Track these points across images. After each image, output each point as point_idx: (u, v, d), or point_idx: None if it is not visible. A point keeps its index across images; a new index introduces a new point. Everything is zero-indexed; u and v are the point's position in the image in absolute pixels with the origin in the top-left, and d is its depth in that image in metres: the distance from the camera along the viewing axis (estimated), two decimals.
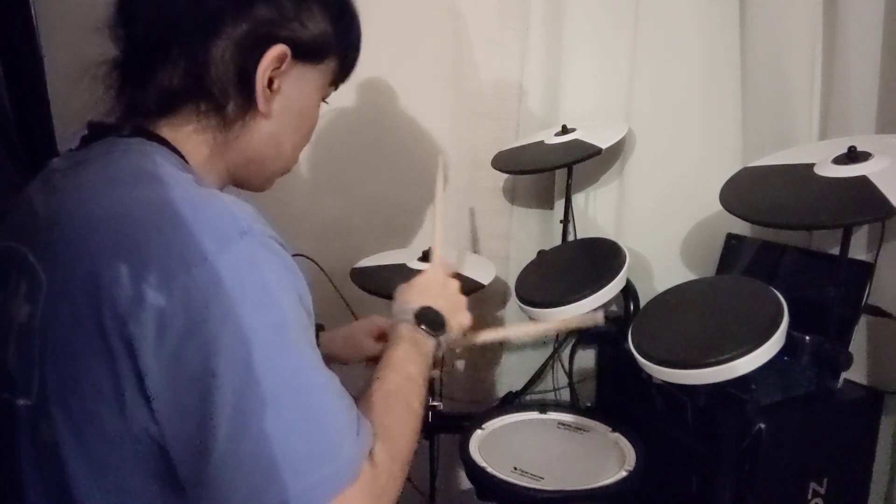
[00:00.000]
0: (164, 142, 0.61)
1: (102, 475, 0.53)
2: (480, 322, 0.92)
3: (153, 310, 0.49)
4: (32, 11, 1.07)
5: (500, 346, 1.66)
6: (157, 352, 0.49)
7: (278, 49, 0.62)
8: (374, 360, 0.99)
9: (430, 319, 0.79)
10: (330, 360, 1.03)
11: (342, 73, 0.72)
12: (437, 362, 0.82)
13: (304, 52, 0.65)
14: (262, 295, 0.51)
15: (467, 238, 1.64)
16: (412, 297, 0.81)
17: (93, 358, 0.51)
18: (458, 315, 0.84)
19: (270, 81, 0.63)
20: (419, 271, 1.29)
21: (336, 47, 0.68)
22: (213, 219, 0.52)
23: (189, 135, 0.63)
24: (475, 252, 1.65)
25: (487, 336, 0.95)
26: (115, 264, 0.50)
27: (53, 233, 0.56)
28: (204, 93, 0.61)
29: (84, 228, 0.54)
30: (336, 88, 0.74)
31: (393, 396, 0.66)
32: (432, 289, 0.84)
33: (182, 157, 0.62)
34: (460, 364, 0.89)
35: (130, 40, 0.62)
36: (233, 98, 0.62)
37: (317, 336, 1.04)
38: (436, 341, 0.79)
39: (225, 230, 0.52)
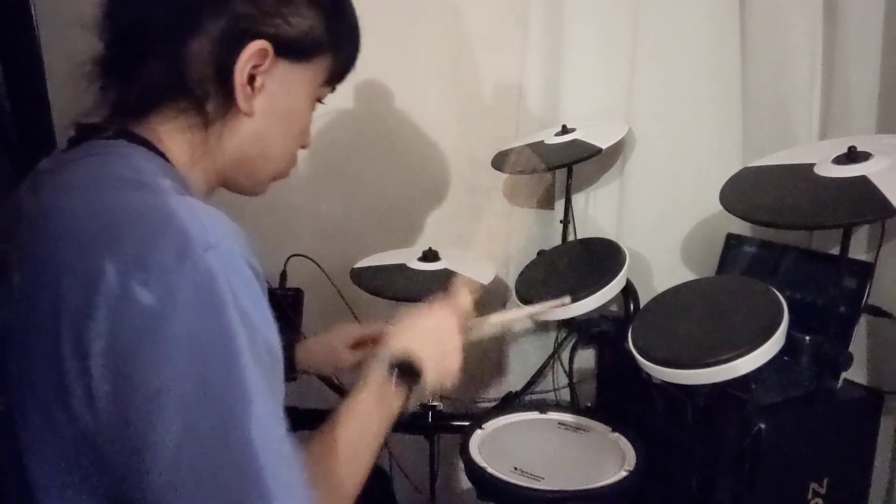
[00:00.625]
0: (146, 143, 0.60)
1: (60, 485, 0.52)
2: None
3: (107, 313, 0.48)
4: (32, 11, 1.07)
5: (500, 346, 1.67)
6: (105, 359, 0.48)
7: (258, 45, 0.60)
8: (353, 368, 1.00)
9: (405, 369, 0.74)
10: (306, 372, 1.03)
11: (337, 72, 0.70)
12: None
13: (289, 50, 0.63)
14: (215, 315, 0.49)
15: (467, 238, 1.64)
16: (401, 337, 0.76)
17: (47, 363, 0.50)
18: (445, 361, 0.78)
19: (252, 78, 0.62)
20: (419, 271, 1.31)
21: (327, 45, 0.66)
22: (180, 229, 0.50)
23: (171, 134, 0.62)
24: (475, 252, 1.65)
25: (484, 330, 0.93)
26: (77, 266, 0.49)
27: (31, 234, 0.55)
28: (184, 90, 0.60)
29: (56, 230, 0.53)
30: (332, 89, 0.72)
31: (345, 445, 0.65)
32: (426, 334, 0.78)
33: (166, 157, 0.61)
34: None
35: (112, 38, 0.61)
36: (213, 96, 0.61)
37: (291, 348, 1.03)
38: (404, 394, 0.74)
39: (190, 242, 0.50)
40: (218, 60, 0.60)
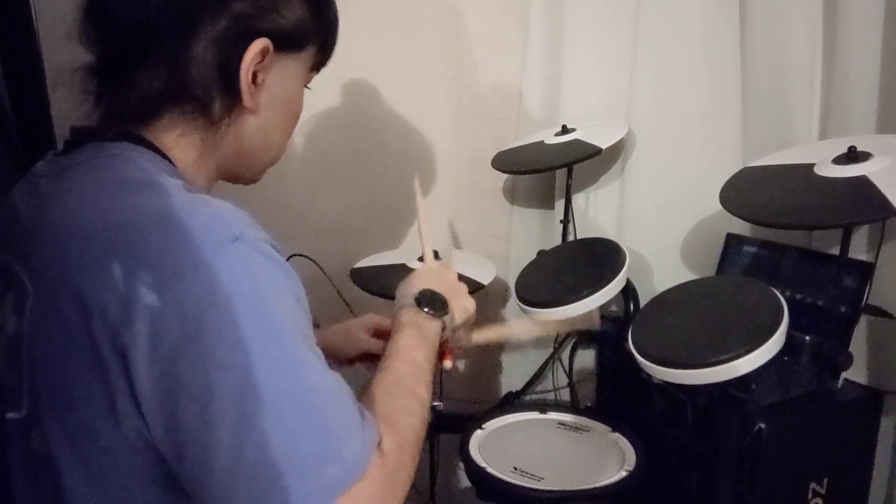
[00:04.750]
0: (149, 145, 0.60)
1: (99, 484, 0.53)
2: (481, 321, 0.93)
3: (146, 317, 0.48)
4: (32, 11, 1.07)
5: (500, 346, 1.66)
6: (149, 362, 0.48)
7: (261, 43, 0.60)
8: (370, 357, 0.99)
9: (431, 300, 0.79)
10: (326, 354, 1.02)
11: (322, 57, 0.71)
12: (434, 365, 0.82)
13: (285, 42, 0.63)
14: (258, 301, 0.51)
15: (467, 238, 1.64)
16: (411, 285, 0.82)
17: (84, 368, 0.50)
18: (460, 299, 0.85)
19: (254, 76, 0.62)
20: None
21: (315, 33, 0.67)
22: (204, 226, 0.51)
23: (176, 139, 0.62)
24: (475, 252, 1.65)
25: (490, 333, 0.96)
26: (104, 270, 0.49)
27: (39, 241, 0.55)
28: (187, 95, 0.60)
29: (71, 236, 0.53)
30: (318, 72, 0.73)
31: (397, 385, 0.66)
32: (430, 277, 0.85)
33: (169, 159, 0.61)
34: (458, 364, 0.90)
35: (106, 44, 0.60)
36: (217, 97, 0.61)
37: None
38: (440, 323, 0.79)
39: (217, 237, 0.51)
40: (221, 62, 0.60)
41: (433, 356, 0.75)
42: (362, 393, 0.64)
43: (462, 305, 0.85)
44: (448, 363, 0.89)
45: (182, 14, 0.58)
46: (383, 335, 1.00)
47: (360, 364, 1.00)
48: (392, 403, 0.63)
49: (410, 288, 0.81)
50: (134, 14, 0.58)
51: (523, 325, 1.24)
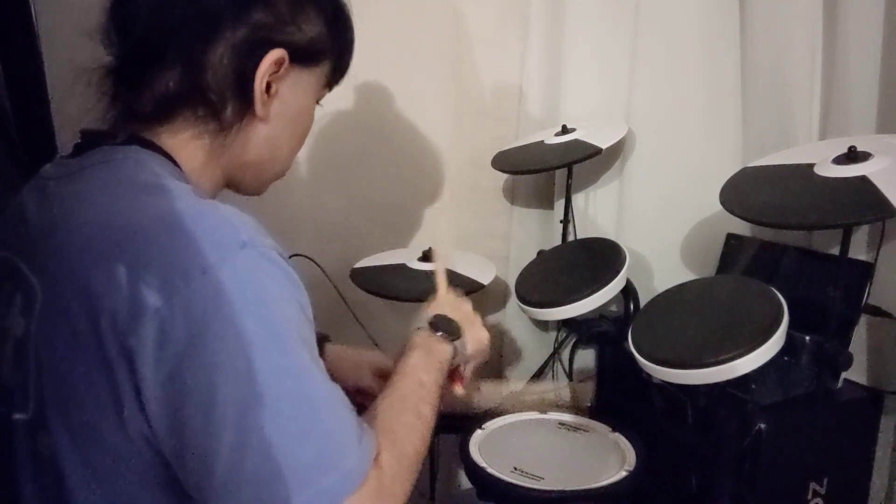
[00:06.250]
0: (158, 149, 0.61)
1: (104, 487, 0.53)
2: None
3: (153, 320, 0.48)
4: (32, 13, 1.07)
5: (499, 346, 1.66)
6: (156, 366, 0.48)
7: (277, 53, 0.62)
8: (364, 394, 0.99)
9: (445, 325, 0.80)
10: (330, 373, 1.02)
11: (336, 75, 0.72)
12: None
13: (301, 56, 0.65)
14: (262, 308, 0.51)
15: (467, 238, 1.64)
16: (426, 311, 0.83)
17: (91, 371, 0.50)
18: (474, 329, 0.86)
19: (268, 86, 0.63)
20: (419, 271, 1.31)
21: (331, 50, 0.69)
22: (212, 231, 0.52)
23: (186, 141, 0.62)
24: (475, 252, 1.65)
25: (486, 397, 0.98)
26: (112, 273, 0.49)
27: (48, 243, 0.55)
28: (201, 98, 0.61)
29: (80, 239, 0.53)
30: (330, 90, 0.74)
31: (402, 402, 0.67)
32: (445, 305, 0.86)
33: (176, 164, 0.62)
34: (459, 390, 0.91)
35: (126, 45, 0.61)
36: (230, 103, 0.62)
37: (321, 346, 1.03)
38: (451, 348, 0.80)
39: (225, 242, 0.51)
40: (237, 68, 0.61)
41: (441, 379, 0.75)
42: (369, 406, 0.65)
43: (476, 336, 0.86)
44: (460, 389, 0.90)
45: (202, 20, 0.60)
46: (386, 378, 1.01)
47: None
48: (394, 419, 0.63)
49: (426, 314, 0.83)
50: (157, 16, 0.60)
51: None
